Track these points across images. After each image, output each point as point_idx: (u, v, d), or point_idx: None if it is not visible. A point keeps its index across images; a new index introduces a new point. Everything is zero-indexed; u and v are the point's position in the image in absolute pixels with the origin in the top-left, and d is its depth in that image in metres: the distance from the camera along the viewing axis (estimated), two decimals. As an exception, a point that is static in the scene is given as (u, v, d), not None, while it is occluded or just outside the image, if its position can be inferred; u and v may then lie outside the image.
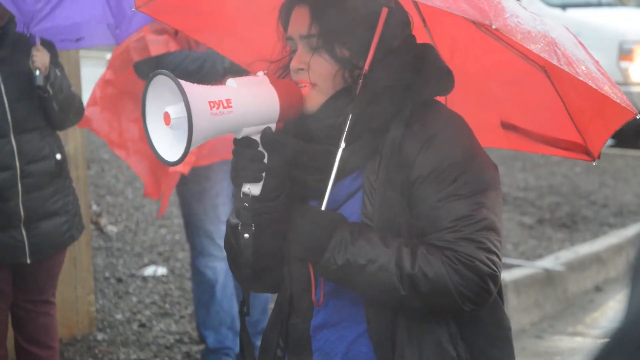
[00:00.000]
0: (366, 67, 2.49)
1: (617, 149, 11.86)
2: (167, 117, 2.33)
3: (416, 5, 2.74)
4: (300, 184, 2.55)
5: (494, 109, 2.88)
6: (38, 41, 4.42)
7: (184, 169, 5.14)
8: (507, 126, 2.89)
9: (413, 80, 2.53)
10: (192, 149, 2.29)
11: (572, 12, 13.13)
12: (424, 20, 2.79)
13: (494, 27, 2.30)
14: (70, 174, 4.72)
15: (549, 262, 7.28)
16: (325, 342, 2.58)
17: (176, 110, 2.31)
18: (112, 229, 7.57)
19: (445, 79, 2.61)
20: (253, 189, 2.49)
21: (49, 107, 4.45)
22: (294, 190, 2.55)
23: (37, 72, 4.37)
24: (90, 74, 7.44)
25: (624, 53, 12.54)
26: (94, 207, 7.76)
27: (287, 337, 2.62)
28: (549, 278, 7.12)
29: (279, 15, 2.62)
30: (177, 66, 4.97)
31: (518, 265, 7.15)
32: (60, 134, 4.73)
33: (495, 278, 2.43)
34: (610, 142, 12.92)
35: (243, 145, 2.46)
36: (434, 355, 2.50)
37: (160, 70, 2.34)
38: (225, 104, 2.35)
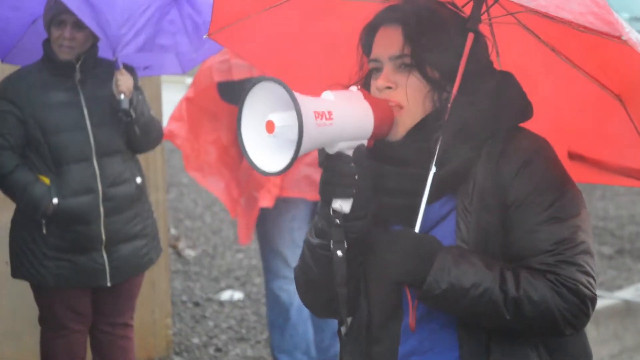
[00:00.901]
0: (454, 90, 2.48)
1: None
2: (270, 125, 2.26)
3: (492, 31, 2.73)
4: (386, 207, 2.53)
5: (562, 139, 2.82)
6: (121, 65, 4.49)
7: (269, 202, 5.18)
8: (574, 157, 2.85)
9: (500, 106, 2.52)
10: (296, 159, 2.23)
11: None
12: (496, 47, 2.77)
13: (623, 38, 2.27)
14: (149, 197, 4.78)
15: (629, 293, 7.17)
16: None
17: (282, 118, 2.25)
18: (190, 252, 7.63)
19: (525, 104, 2.60)
20: (344, 205, 2.44)
21: (131, 130, 4.52)
22: (380, 214, 2.52)
23: (122, 96, 4.44)
24: (172, 98, 7.51)
25: None
26: (173, 231, 7.83)
27: None
28: (628, 309, 7.01)
29: (360, 37, 2.61)
30: None
31: (597, 296, 7.04)
32: (141, 157, 4.78)
33: (594, 301, 2.42)
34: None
35: (337, 160, 2.42)
36: None
37: (267, 76, 2.28)
38: (328, 116, 2.30)
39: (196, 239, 7.96)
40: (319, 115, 2.27)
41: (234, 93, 5.15)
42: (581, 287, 2.38)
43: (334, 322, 5.40)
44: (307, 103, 2.26)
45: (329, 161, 2.43)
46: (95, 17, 4.38)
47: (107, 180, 4.49)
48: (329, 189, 2.44)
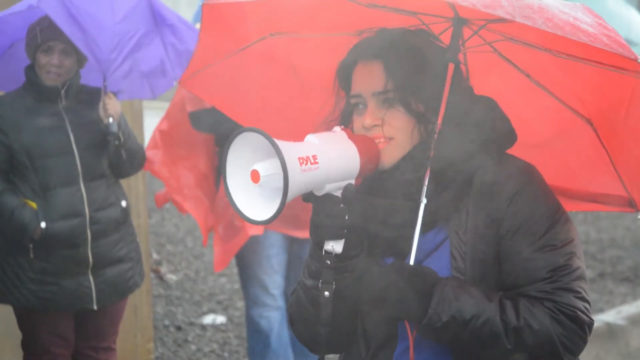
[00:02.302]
0: (439, 121, 2.48)
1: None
2: (255, 175, 2.27)
3: (464, 57, 2.73)
4: (376, 240, 2.52)
5: (538, 167, 2.83)
6: (107, 90, 4.51)
7: (259, 229, 5.18)
8: None
9: (486, 133, 2.53)
10: (284, 207, 2.22)
11: None
12: (467, 71, 2.77)
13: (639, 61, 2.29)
14: (132, 222, 4.78)
15: (611, 316, 7.19)
16: None
17: (266, 167, 2.26)
18: (172, 277, 7.61)
19: (509, 132, 2.62)
20: (336, 246, 2.45)
21: (118, 154, 4.53)
22: (372, 248, 2.53)
23: (111, 120, 4.46)
24: (153, 124, 7.51)
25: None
26: (155, 256, 7.82)
27: None
28: (610, 332, 7.03)
29: (337, 75, 2.62)
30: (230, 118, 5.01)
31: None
32: (123, 182, 4.79)
33: (591, 326, 2.44)
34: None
35: (326, 202, 2.42)
36: None
37: (248, 127, 2.28)
38: (312, 160, 2.30)
39: (178, 264, 7.95)
40: (303, 160, 2.28)
41: (206, 121, 5.15)
42: (579, 313, 2.40)
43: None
44: (291, 150, 2.26)
45: (318, 203, 2.43)
46: (86, 40, 4.41)
47: (93, 204, 4.49)
48: (320, 231, 2.44)
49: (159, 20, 4.67)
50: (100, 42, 4.46)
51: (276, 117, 2.93)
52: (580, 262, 2.45)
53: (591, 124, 2.72)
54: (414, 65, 2.51)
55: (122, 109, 4.66)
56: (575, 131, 2.74)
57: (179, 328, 6.71)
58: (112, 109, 4.48)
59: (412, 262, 2.44)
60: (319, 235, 2.44)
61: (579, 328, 2.39)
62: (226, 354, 6.33)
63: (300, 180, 2.26)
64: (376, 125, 2.51)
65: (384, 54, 2.53)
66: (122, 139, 4.51)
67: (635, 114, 2.54)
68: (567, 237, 2.46)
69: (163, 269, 7.70)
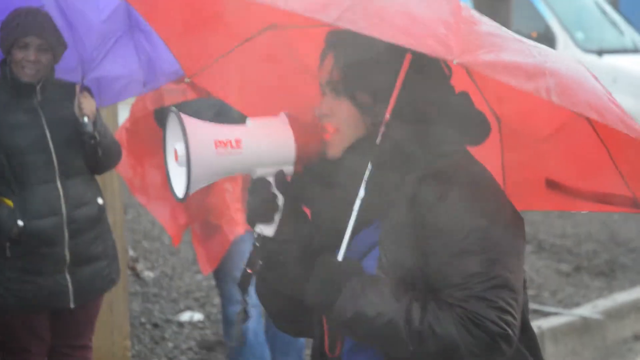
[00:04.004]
0: (387, 114, 2.46)
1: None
2: (175, 154, 2.37)
3: None
4: (322, 232, 2.54)
5: (539, 166, 2.80)
6: (81, 88, 4.50)
7: (241, 229, 5.17)
8: (552, 185, 2.80)
9: (436, 130, 2.50)
10: (197, 186, 2.31)
11: (608, 59, 13.11)
12: (467, 68, 2.73)
13: (455, 62, 2.25)
14: (108, 219, 4.76)
15: (587, 310, 7.23)
16: None
17: (182, 147, 2.33)
18: (148, 274, 7.59)
19: (473, 129, 2.58)
20: (265, 229, 2.49)
21: (94, 152, 4.51)
22: (319, 238, 2.54)
23: (86, 119, 4.44)
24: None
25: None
26: (131, 252, 7.79)
27: None
28: (586, 326, 7.06)
29: (319, 64, 2.63)
30: (194, 113, 4.99)
31: (555, 313, 7.09)
32: (98, 179, 4.77)
33: (506, 338, 2.36)
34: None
35: (256, 186, 2.47)
36: None
37: (171, 108, 2.38)
38: (234, 144, 2.35)
39: (154, 260, 7.92)
40: (221, 143, 2.33)
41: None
42: (489, 323, 2.34)
43: (298, 345, 5.40)
44: (208, 132, 2.33)
45: (251, 186, 2.47)
46: (73, 37, 4.41)
47: (71, 202, 4.48)
48: (250, 214, 2.50)
49: (134, 25, 4.66)
50: (86, 40, 4.46)
51: (284, 108, 2.94)
52: (503, 271, 2.38)
53: (589, 121, 2.64)
54: (364, 56, 2.49)
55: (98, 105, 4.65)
56: (574, 129, 2.67)
57: (155, 325, 6.69)
58: (87, 108, 4.47)
59: (341, 256, 2.44)
60: (249, 218, 2.50)
61: (489, 338, 2.34)
62: (203, 351, 6.31)
63: (214, 162, 2.33)
64: (325, 115, 2.52)
65: (336, 44, 2.54)
66: (97, 137, 4.49)
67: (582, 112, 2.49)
68: (490, 244, 2.39)
69: (139, 266, 7.68)
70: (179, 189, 2.37)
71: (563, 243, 9.18)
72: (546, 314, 7.04)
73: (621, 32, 14.39)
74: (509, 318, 2.37)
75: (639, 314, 7.58)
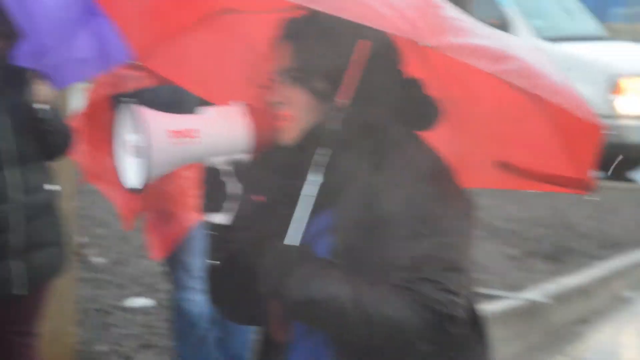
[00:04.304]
0: (343, 101, 2.48)
1: (604, 181, 11.87)
2: (129, 145, 2.37)
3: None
4: (276, 220, 2.55)
5: (489, 147, 2.82)
6: (36, 75, 4.47)
7: (198, 216, 5.16)
8: (500, 165, 2.82)
9: (390, 116, 2.52)
10: (153, 177, 2.31)
11: (564, 46, 13.19)
12: (423, 55, 2.75)
13: (428, 45, 2.28)
14: (59, 205, 4.75)
15: (534, 294, 7.29)
16: None
17: (137, 138, 2.34)
18: (98, 260, 7.56)
19: (425, 113, 2.61)
20: (220, 218, 2.50)
21: (48, 139, 4.49)
22: (272, 224, 2.55)
23: (41, 106, 4.43)
24: (78, 104, 7.44)
25: (613, 86, 12.60)
26: (81, 239, 7.76)
27: None
28: (533, 310, 7.13)
29: (272, 53, 2.63)
30: (151, 100, 4.98)
31: (503, 297, 7.15)
32: (50, 165, 4.75)
33: (454, 319, 2.40)
34: (595, 174, 12.93)
35: (211, 174, 2.48)
36: None
37: (124, 98, 2.38)
38: (190, 133, 2.36)
39: (104, 247, 7.90)
40: (177, 133, 2.33)
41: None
42: (437, 305, 2.37)
43: (246, 330, 5.41)
44: (163, 123, 2.33)
45: (206, 175, 2.48)
46: (30, 23, 4.38)
47: (22, 189, 4.45)
48: (204, 203, 2.52)
49: (90, 10, 4.63)
50: (41, 26, 4.42)
51: (239, 93, 2.94)
52: (451, 254, 2.42)
53: (541, 105, 2.66)
54: (320, 43, 2.51)
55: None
56: (526, 112, 2.70)
57: (104, 311, 6.68)
58: (42, 94, 4.44)
59: (292, 241, 2.46)
60: (204, 206, 2.52)
61: (436, 319, 2.37)
62: (151, 337, 6.31)
63: (171, 152, 2.33)
64: (280, 103, 2.53)
65: (293, 33, 2.55)
66: (52, 124, 4.48)
67: (542, 96, 2.53)
68: (439, 227, 2.43)
69: (89, 252, 7.65)
70: (134, 180, 2.37)
71: (512, 227, 9.25)
72: (495, 298, 7.10)
73: (578, 20, 14.49)
74: (457, 300, 2.40)
75: (586, 298, 7.66)
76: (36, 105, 4.44)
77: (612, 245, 8.94)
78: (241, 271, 2.57)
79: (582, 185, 2.73)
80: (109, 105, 5.23)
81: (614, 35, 15.39)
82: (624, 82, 12.61)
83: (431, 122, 2.62)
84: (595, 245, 8.92)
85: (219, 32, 2.85)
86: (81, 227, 8.01)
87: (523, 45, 2.58)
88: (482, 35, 2.45)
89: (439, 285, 2.38)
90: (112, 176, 5.31)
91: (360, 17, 2.30)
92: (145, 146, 2.29)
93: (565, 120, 2.59)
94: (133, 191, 2.40)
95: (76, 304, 6.07)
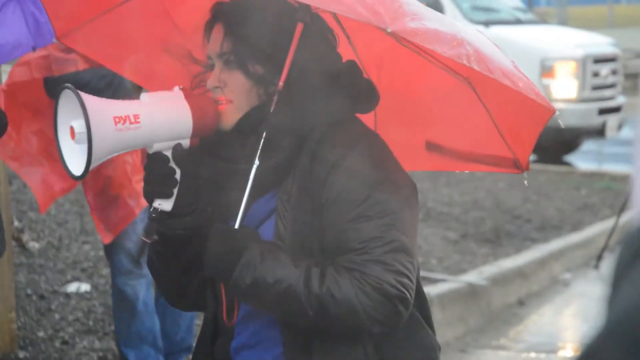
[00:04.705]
0: (280, 83, 2.47)
1: (539, 165, 12.01)
2: (72, 132, 2.33)
3: (338, 21, 2.73)
4: (218, 204, 2.53)
5: (420, 130, 2.84)
6: None
7: (142, 202, 5.11)
8: (431, 147, 2.85)
9: (329, 98, 2.52)
10: (96, 163, 2.29)
11: (494, 29, 13.28)
12: (348, 37, 2.78)
13: (389, 30, 2.29)
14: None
15: (473, 277, 7.34)
16: None
17: (80, 125, 2.30)
18: (34, 245, 7.47)
19: (364, 96, 2.60)
20: (164, 204, 2.48)
21: None
22: (214, 210, 2.53)
23: None
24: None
25: (546, 70, 12.74)
26: (16, 223, 7.66)
27: (212, 358, 2.61)
28: (472, 292, 7.18)
29: (204, 33, 2.61)
30: (86, 84, 4.92)
31: (442, 280, 7.19)
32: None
33: (404, 300, 2.41)
34: (532, 157, 13.09)
35: (154, 160, 2.45)
36: None
37: (66, 84, 2.34)
38: (133, 119, 2.34)
39: (40, 231, 7.80)
40: (120, 119, 2.32)
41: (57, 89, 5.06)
42: (387, 286, 2.38)
43: (187, 315, 5.39)
44: (106, 109, 2.32)
45: (148, 161, 2.46)
46: None
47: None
48: (148, 188, 2.49)
49: None
50: None
51: (162, 75, 2.90)
52: (399, 235, 2.42)
53: (469, 83, 2.70)
54: (254, 26, 2.49)
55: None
56: (455, 91, 2.73)
57: (42, 297, 6.60)
58: None
59: (237, 226, 2.45)
60: (147, 192, 2.49)
61: (387, 301, 2.37)
62: (91, 322, 6.25)
63: (114, 138, 2.31)
64: (217, 87, 2.52)
65: (225, 15, 2.53)
66: None
67: (488, 83, 2.56)
68: (387, 208, 2.43)
69: (25, 237, 7.55)
70: (77, 167, 2.34)
71: (450, 211, 9.31)
72: (433, 281, 7.14)
73: (506, 4, 14.60)
74: (407, 281, 2.41)
75: (523, 280, 7.73)
76: None
77: (549, 228, 9.03)
78: (184, 256, 2.55)
79: (516, 165, 2.76)
80: (36, 86, 5.16)
81: (542, 19, 15.53)
82: (557, 66, 12.73)
83: (370, 105, 2.63)
84: (532, 227, 9.01)
85: (141, 10, 2.82)
86: (15, 211, 7.91)
87: (469, 30, 2.60)
88: (435, 19, 2.45)
89: (390, 267, 2.39)
90: (30, 157, 5.28)
91: (320, 3, 2.31)
92: (87, 132, 2.26)
93: (513, 102, 2.61)
94: (75, 177, 2.36)
95: (14, 290, 5.98)
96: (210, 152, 2.52)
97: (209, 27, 2.58)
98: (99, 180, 5.19)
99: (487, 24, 13.46)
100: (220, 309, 2.57)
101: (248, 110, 2.51)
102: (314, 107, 2.50)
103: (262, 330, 2.55)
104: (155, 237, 2.51)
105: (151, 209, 2.49)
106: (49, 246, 7.50)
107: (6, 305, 5.80)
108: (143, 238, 2.51)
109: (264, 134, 2.46)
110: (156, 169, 2.46)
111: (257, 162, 2.45)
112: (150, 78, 2.93)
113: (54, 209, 8.31)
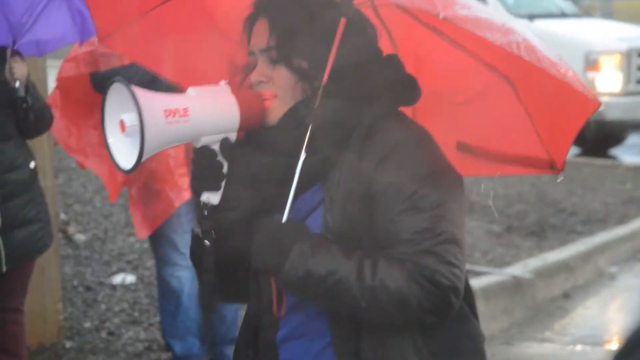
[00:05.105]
0: (325, 78, 2.47)
1: (584, 158, 11.94)
2: (122, 125, 2.33)
3: (379, 16, 2.73)
4: (264, 197, 2.53)
5: (453, 129, 2.79)
6: (10, 53, 4.43)
7: (187, 194, 5.14)
8: (463, 147, 2.79)
9: (373, 91, 2.52)
10: (146, 156, 2.29)
11: (538, 23, 13.22)
12: (389, 32, 2.77)
13: (441, 16, 2.28)
14: (39, 182, 4.73)
15: (518, 270, 7.31)
16: (292, 354, 2.56)
17: (131, 118, 2.30)
18: (80, 237, 7.53)
19: (408, 89, 2.60)
20: (212, 198, 2.49)
21: (26, 117, 4.47)
22: (260, 203, 2.53)
23: (18, 83, 4.39)
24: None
25: (590, 64, 12.65)
26: (62, 216, 7.73)
27: (256, 350, 2.62)
28: (517, 285, 7.15)
29: (243, 30, 2.61)
30: (131, 78, 4.95)
31: (487, 273, 7.17)
32: (28, 143, 4.73)
33: (456, 291, 2.40)
34: (577, 151, 13.02)
35: (201, 154, 2.46)
36: None
37: (117, 77, 2.33)
38: (182, 113, 2.34)
39: (86, 224, 7.87)
40: (170, 113, 2.31)
41: (104, 83, 5.09)
42: (439, 276, 2.37)
43: (233, 307, 5.41)
44: (157, 101, 2.31)
45: (195, 155, 2.46)
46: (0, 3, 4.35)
47: (2, 167, 4.43)
48: (195, 182, 2.49)
49: None
50: (13, 4, 4.39)
51: (202, 73, 2.91)
52: (449, 226, 2.42)
53: (509, 81, 2.67)
54: (299, 21, 2.50)
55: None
56: (492, 88, 2.70)
57: (88, 288, 6.66)
58: (19, 72, 4.42)
59: (284, 219, 2.45)
60: (195, 186, 2.49)
61: (440, 291, 2.37)
62: (136, 313, 6.29)
63: (165, 132, 2.31)
64: (261, 82, 2.52)
65: (271, 11, 2.53)
66: (29, 102, 4.44)
67: (534, 74, 2.52)
68: (438, 200, 2.43)
69: (71, 229, 7.62)
70: (127, 160, 2.34)
71: (494, 204, 9.25)
72: (478, 274, 7.12)
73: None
74: (457, 271, 2.40)
75: (568, 273, 7.69)
76: (13, 83, 4.41)
77: (594, 221, 8.97)
78: (229, 249, 2.56)
79: (552, 166, 2.72)
80: (86, 81, 5.20)
81: (585, 12, 15.42)
82: (602, 59, 12.64)
83: (412, 99, 2.62)
84: (577, 221, 8.96)
85: (181, 10, 2.82)
86: (61, 204, 7.98)
87: (512, 21, 2.58)
88: (483, 10, 2.46)
89: (441, 258, 2.38)
90: (93, 148, 5.32)
91: None
92: (140, 125, 2.26)
93: (556, 95, 2.58)
94: (125, 171, 2.37)
95: (61, 281, 6.04)
96: (256, 147, 2.52)
97: (250, 22, 2.58)
98: (142, 174, 5.23)
99: (531, 17, 13.39)
100: (264, 301, 2.58)
101: (293, 105, 2.51)
102: (359, 101, 2.50)
103: (307, 322, 2.54)
104: (213, 235, 2.51)
105: (201, 205, 2.49)
106: (94, 238, 7.57)
107: (53, 296, 5.86)
108: (200, 237, 2.52)
109: (310, 128, 2.46)
110: (205, 163, 2.46)
111: (303, 155, 2.45)
112: (189, 77, 2.93)
113: (99, 202, 8.37)
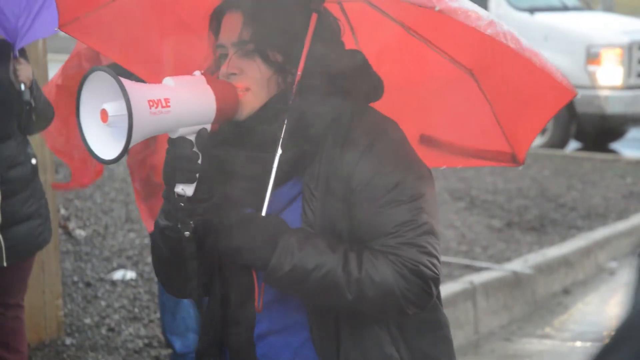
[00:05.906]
0: (299, 72, 2.49)
1: (585, 152, 11.93)
2: (104, 115, 2.29)
3: (344, 11, 2.75)
4: (234, 191, 2.54)
5: (416, 122, 2.84)
6: (17, 54, 4.43)
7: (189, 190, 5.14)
8: (425, 140, 2.85)
9: (348, 86, 2.54)
10: (129, 147, 2.26)
11: (539, 16, 13.20)
12: (352, 28, 2.79)
13: (437, 8, 2.31)
14: (40, 178, 4.73)
15: (518, 265, 7.31)
16: (271, 349, 2.57)
17: (115, 108, 2.27)
18: (80, 233, 7.53)
19: (376, 85, 2.63)
20: (187, 189, 2.48)
21: (29, 117, 4.47)
22: (228, 197, 2.54)
23: (23, 86, 4.40)
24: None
25: (592, 57, 12.63)
26: (62, 211, 7.73)
27: (221, 347, 2.62)
28: (517, 281, 7.15)
29: (209, 23, 2.61)
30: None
31: (487, 268, 7.17)
32: (29, 139, 4.73)
33: (436, 281, 2.47)
34: (577, 145, 13.01)
35: (178, 145, 2.44)
36: (377, 358, 2.51)
37: (98, 66, 2.30)
38: (164, 103, 2.32)
39: (87, 219, 7.86)
40: (153, 103, 2.29)
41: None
42: (422, 267, 2.42)
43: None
44: (141, 92, 2.28)
45: (171, 146, 2.45)
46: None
47: (4, 164, 4.44)
48: (171, 173, 2.47)
49: None
50: (7, 10, 4.38)
51: (163, 64, 2.91)
52: (428, 218, 2.47)
53: (472, 75, 2.73)
54: (274, 16, 2.51)
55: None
56: (455, 82, 2.75)
57: (88, 284, 6.66)
58: (23, 75, 4.42)
59: (264, 213, 2.45)
60: (170, 177, 2.48)
61: (422, 282, 2.43)
62: (136, 310, 6.30)
63: (148, 122, 2.29)
64: (233, 74, 2.52)
65: (244, 4, 2.54)
66: (33, 103, 4.45)
67: (515, 64, 2.57)
68: (417, 193, 2.47)
69: (71, 225, 7.62)
70: (107, 151, 2.31)
71: (494, 199, 9.28)
72: (478, 269, 7.12)
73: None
74: (436, 262, 2.47)
75: (569, 268, 7.69)
76: (18, 86, 4.41)
77: (594, 216, 8.97)
78: (202, 243, 2.55)
79: (513, 159, 2.79)
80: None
81: (587, 5, 15.40)
82: (603, 53, 12.63)
83: (378, 94, 2.65)
84: (577, 216, 8.96)
85: (147, 3, 2.82)
86: (61, 199, 7.98)
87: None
88: (469, 3, 2.49)
89: (422, 249, 2.44)
90: (79, 154, 5.29)
91: None
92: (129, 116, 2.23)
93: (534, 83, 2.64)
94: (105, 162, 2.33)
95: (61, 277, 6.04)
96: (231, 140, 2.53)
97: (217, 16, 2.59)
98: (145, 169, 5.23)
99: (532, 10, 13.37)
100: (235, 297, 2.57)
101: (268, 99, 2.52)
102: (335, 96, 2.52)
103: (287, 315, 2.55)
104: (191, 225, 2.51)
105: (175, 196, 2.47)
106: (94, 234, 7.56)
107: (53, 292, 5.86)
108: (182, 230, 2.50)
109: (286, 122, 2.47)
110: (180, 154, 2.45)
111: (279, 150, 2.46)
112: (150, 67, 2.92)
113: (99, 197, 8.37)
